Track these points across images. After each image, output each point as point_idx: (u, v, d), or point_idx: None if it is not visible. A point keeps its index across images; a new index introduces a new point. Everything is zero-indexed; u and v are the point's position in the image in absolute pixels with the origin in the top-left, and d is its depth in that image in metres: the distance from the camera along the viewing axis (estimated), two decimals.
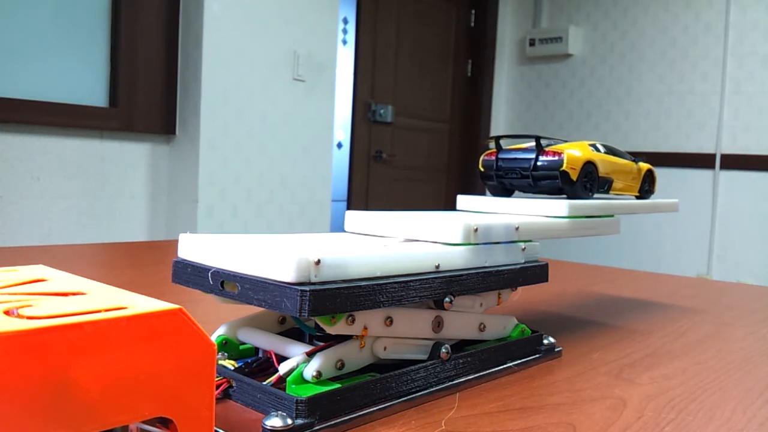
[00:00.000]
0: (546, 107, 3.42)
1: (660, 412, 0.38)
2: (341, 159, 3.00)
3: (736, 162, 2.83)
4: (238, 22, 2.10)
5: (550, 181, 0.52)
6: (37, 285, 0.25)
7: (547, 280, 0.47)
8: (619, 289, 0.82)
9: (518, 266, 0.45)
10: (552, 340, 0.48)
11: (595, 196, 0.56)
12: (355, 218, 0.46)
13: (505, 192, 0.58)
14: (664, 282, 0.91)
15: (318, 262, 0.32)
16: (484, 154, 0.57)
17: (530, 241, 0.47)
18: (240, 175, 2.15)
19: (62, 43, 1.85)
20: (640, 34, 3.09)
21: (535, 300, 0.71)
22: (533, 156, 0.53)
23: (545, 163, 0.52)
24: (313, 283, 0.32)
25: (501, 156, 0.55)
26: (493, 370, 0.43)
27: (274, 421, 0.31)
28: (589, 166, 0.53)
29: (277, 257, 0.32)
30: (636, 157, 0.61)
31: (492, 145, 0.57)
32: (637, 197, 0.62)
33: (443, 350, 0.39)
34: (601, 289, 0.82)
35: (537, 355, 0.47)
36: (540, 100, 3.44)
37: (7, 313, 0.20)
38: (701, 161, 2.91)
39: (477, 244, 0.41)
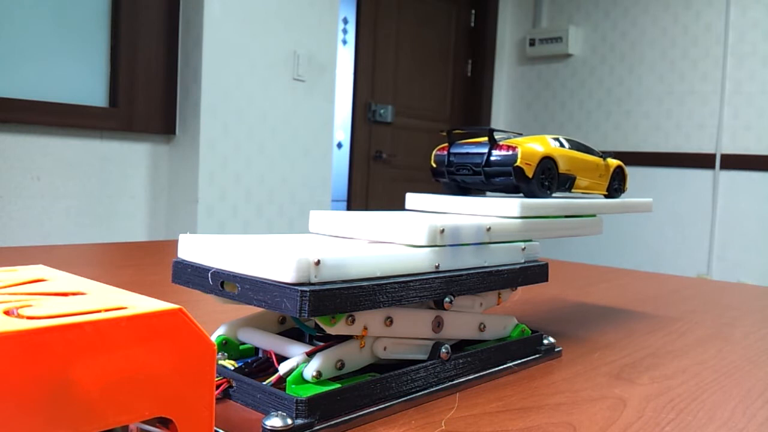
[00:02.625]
0: (546, 107, 3.42)
1: (660, 412, 0.38)
2: (341, 159, 3.00)
3: (736, 162, 2.83)
4: (238, 23, 2.10)
5: (504, 178, 0.48)
6: (37, 285, 0.25)
7: (547, 280, 0.47)
8: (619, 289, 0.82)
9: (518, 266, 0.45)
10: (552, 340, 0.48)
11: (558, 195, 0.53)
12: (319, 219, 0.44)
13: (461, 190, 0.53)
14: (664, 282, 0.91)
15: (318, 263, 0.32)
16: (436, 148, 0.52)
17: (530, 240, 0.47)
18: (240, 175, 2.15)
19: (62, 43, 1.85)
20: (640, 34, 3.09)
21: (535, 300, 0.71)
22: (486, 150, 0.49)
23: (498, 158, 0.48)
24: (313, 284, 0.32)
25: (453, 150, 0.51)
26: (493, 370, 0.43)
27: (274, 421, 0.31)
28: (547, 162, 0.49)
29: (277, 258, 0.32)
30: (605, 153, 0.57)
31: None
32: (606, 196, 0.57)
33: (443, 350, 0.39)
34: (601, 289, 0.82)
35: (537, 355, 0.47)
36: (540, 100, 3.44)
37: (7, 313, 0.20)
38: (701, 161, 2.91)
39: (444, 245, 0.39)
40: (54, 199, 1.85)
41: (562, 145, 0.51)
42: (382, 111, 2.95)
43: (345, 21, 3.02)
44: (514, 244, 0.45)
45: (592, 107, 3.24)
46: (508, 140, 0.49)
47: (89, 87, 1.92)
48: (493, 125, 3.46)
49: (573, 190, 0.52)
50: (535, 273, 0.46)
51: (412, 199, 0.52)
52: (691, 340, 0.56)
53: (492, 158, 0.48)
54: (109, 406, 0.20)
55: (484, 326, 0.44)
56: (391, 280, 0.36)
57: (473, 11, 3.41)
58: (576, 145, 0.53)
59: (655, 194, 3.01)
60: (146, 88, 2.02)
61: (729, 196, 2.86)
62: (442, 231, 0.39)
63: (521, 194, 0.49)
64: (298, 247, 0.36)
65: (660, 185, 3.02)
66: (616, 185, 0.58)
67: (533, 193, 0.48)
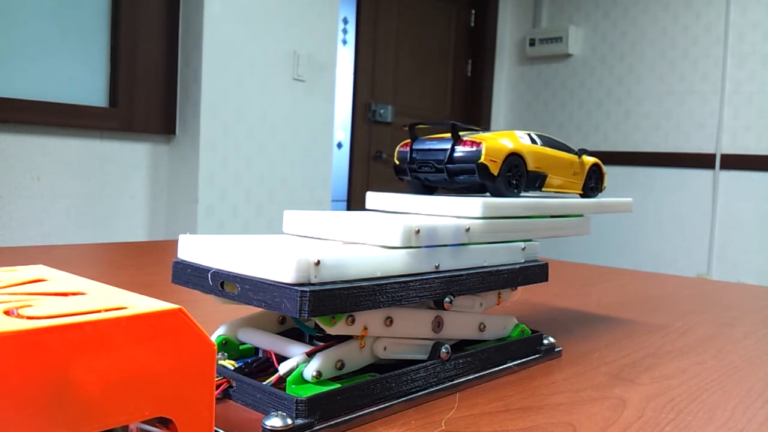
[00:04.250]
0: (546, 107, 3.42)
1: (660, 412, 0.38)
2: (341, 159, 3.00)
3: (736, 162, 2.83)
4: (238, 22, 2.10)
5: (468, 176, 0.45)
6: (37, 285, 0.25)
7: (547, 280, 0.47)
8: (619, 289, 0.82)
9: (518, 266, 0.45)
10: (552, 340, 0.48)
11: (529, 194, 0.50)
12: (293, 219, 0.42)
13: (426, 189, 0.50)
14: (664, 282, 0.91)
15: (318, 263, 0.32)
16: (399, 145, 0.49)
17: (530, 240, 0.46)
18: (240, 175, 2.15)
19: (62, 43, 1.85)
20: (640, 34, 3.09)
21: (535, 300, 0.71)
22: (449, 146, 0.45)
23: (462, 155, 0.45)
24: (313, 284, 0.32)
25: (415, 146, 0.47)
26: (493, 370, 0.43)
27: (274, 421, 0.31)
28: (514, 159, 0.46)
29: (277, 258, 0.32)
30: (582, 150, 0.53)
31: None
32: (582, 196, 0.54)
33: (443, 350, 0.39)
34: (601, 289, 0.82)
35: (537, 355, 0.47)
36: (540, 100, 3.44)
37: (7, 313, 0.20)
38: (701, 161, 2.91)
39: (419, 247, 0.38)
40: (54, 199, 1.85)
41: (533, 141, 0.49)
42: (382, 111, 2.95)
43: (345, 21, 3.02)
44: (513, 244, 0.45)
45: (592, 107, 3.24)
46: (473, 135, 0.45)
47: (89, 87, 1.92)
48: (493, 125, 3.46)
49: (545, 189, 0.50)
50: (535, 273, 0.46)
51: (372, 198, 0.49)
52: (691, 340, 0.56)
53: (455, 155, 0.45)
54: (109, 406, 0.20)
55: (484, 326, 0.44)
56: (392, 280, 0.36)
57: (473, 11, 3.41)
58: (549, 142, 0.50)
59: (655, 194, 3.01)
60: (146, 88, 2.02)
61: (729, 196, 2.86)
62: (417, 231, 0.37)
63: (488, 193, 0.47)
64: (298, 247, 0.36)
65: (660, 185, 3.01)
66: (592, 184, 0.54)
67: (499, 192, 0.45)
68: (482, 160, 0.44)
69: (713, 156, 2.88)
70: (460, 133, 0.45)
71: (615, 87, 3.17)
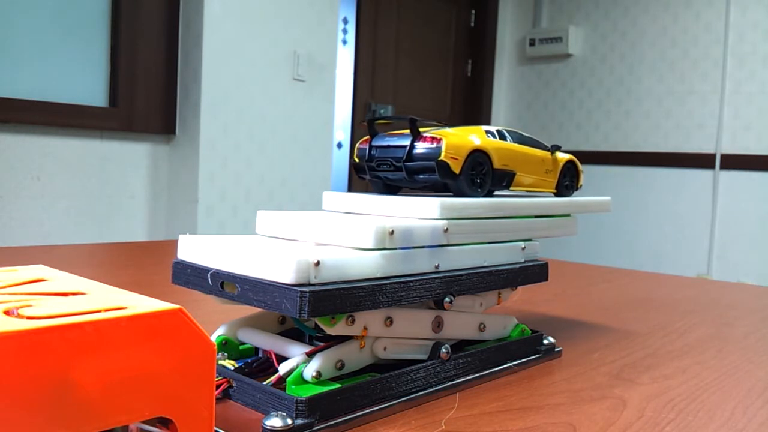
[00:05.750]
0: (546, 107, 3.42)
1: (660, 412, 0.38)
2: (341, 159, 3.00)
3: (736, 162, 2.83)
4: (238, 22, 2.10)
5: (428, 174, 0.42)
6: (37, 285, 0.25)
7: (547, 279, 0.47)
8: (619, 289, 0.82)
9: (518, 266, 0.45)
10: (552, 340, 0.48)
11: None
12: (265, 220, 0.41)
13: (389, 189, 0.47)
14: (664, 282, 0.91)
15: (318, 264, 0.32)
16: (359, 141, 0.46)
17: (530, 240, 0.46)
18: (240, 175, 2.15)
19: (62, 43, 1.85)
20: (640, 34, 3.09)
21: (535, 300, 0.71)
22: (409, 143, 0.42)
23: (421, 152, 0.42)
24: (313, 284, 0.32)
25: (374, 143, 0.44)
26: (493, 370, 0.43)
27: (274, 421, 0.31)
28: (478, 156, 0.43)
29: (277, 258, 0.32)
30: (554, 146, 0.50)
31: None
32: (556, 194, 0.51)
33: (443, 350, 0.39)
34: (601, 289, 0.82)
35: (537, 355, 0.47)
36: (540, 100, 3.44)
37: (7, 313, 0.20)
38: (701, 161, 2.91)
39: (394, 249, 0.36)
40: (54, 199, 1.85)
41: (503, 138, 0.46)
42: (382, 111, 2.95)
43: (345, 21, 3.02)
44: (513, 244, 0.45)
45: (592, 107, 3.24)
46: (434, 131, 0.42)
47: (89, 87, 1.92)
48: (493, 125, 3.45)
49: (514, 188, 0.47)
50: (535, 272, 0.46)
51: (328, 198, 0.46)
52: (691, 340, 0.56)
53: (414, 152, 0.42)
54: (109, 406, 0.20)
55: (484, 326, 0.44)
56: (391, 280, 0.36)
57: (473, 11, 3.41)
58: (519, 138, 0.47)
59: (655, 194, 3.01)
60: (146, 88, 2.02)
61: (729, 196, 2.86)
62: (392, 233, 0.36)
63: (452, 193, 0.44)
64: (298, 248, 0.36)
65: (660, 185, 3.01)
66: (567, 182, 0.51)
67: (462, 191, 0.42)
68: (442, 157, 0.41)
69: (713, 156, 2.88)
70: (421, 129, 0.43)
71: (615, 87, 3.17)
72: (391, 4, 2.97)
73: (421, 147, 0.42)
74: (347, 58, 2.96)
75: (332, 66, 2.44)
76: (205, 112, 2.04)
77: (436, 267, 0.39)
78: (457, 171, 0.41)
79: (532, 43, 3.39)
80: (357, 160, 0.46)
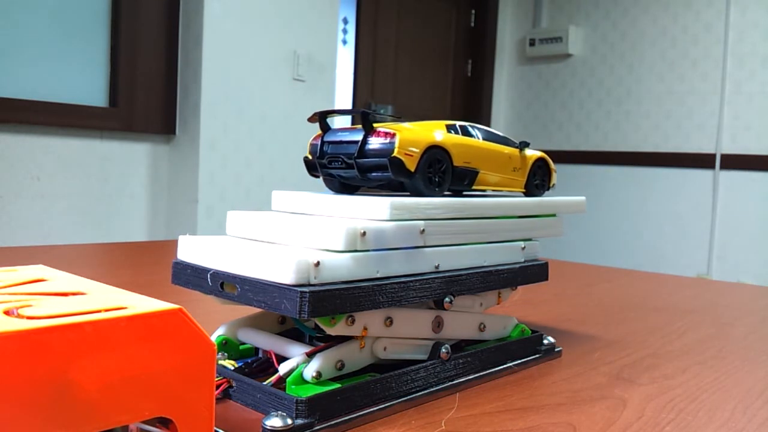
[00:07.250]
0: (546, 107, 3.42)
1: (660, 412, 0.38)
2: None
3: (736, 162, 2.83)
4: (238, 22, 2.10)
5: (381, 172, 0.39)
6: (37, 285, 0.25)
7: (547, 279, 0.47)
8: (619, 289, 0.82)
9: (518, 266, 0.45)
10: (552, 340, 0.48)
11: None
12: (236, 220, 0.40)
13: (345, 188, 0.44)
14: (663, 282, 0.91)
15: (317, 264, 0.32)
16: (312, 137, 0.43)
17: (530, 240, 0.46)
18: (240, 175, 2.15)
19: (62, 43, 1.85)
20: (640, 34, 3.09)
21: (535, 300, 0.71)
22: (361, 138, 0.39)
23: (374, 148, 0.39)
24: (313, 285, 0.32)
25: (326, 139, 0.41)
26: (493, 370, 0.43)
27: (274, 421, 0.31)
28: (436, 153, 0.40)
29: (277, 259, 0.32)
30: (522, 143, 0.47)
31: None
32: (525, 194, 0.48)
33: (443, 350, 0.39)
34: (601, 289, 0.82)
35: (537, 355, 0.47)
36: (540, 100, 3.44)
37: (7, 313, 0.20)
38: (701, 161, 2.91)
39: (367, 251, 0.35)
40: (54, 199, 1.85)
41: (467, 133, 0.43)
42: (382, 111, 2.95)
43: (345, 21, 3.02)
44: (513, 244, 0.45)
45: (592, 107, 3.24)
46: (389, 125, 0.39)
47: (89, 87, 1.92)
48: (493, 125, 3.46)
49: (477, 187, 0.44)
50: (535, 272, 0.46)
51: (278, 198, 0.43)
52: (690, 340, 0.56)
53: (366, 147, 0.39)
54: (109, 406, 0.20)
55: (484, 326, 0.44)
56: (391, 281, 0.36)
57: (473, 11, 3.41)
58: (485, 134, 0.45)
59: (655, 194, 3.01)
60: (146, 88, 2.02)
61: (729, 196, 2.86)
62: (363, 234, 0.34)
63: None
64: (298, 248, 0.36)
65: (660, 185, 3.01)
66: (537, 181, 0.48)
67: (418, 190, 0.39)
68: (395, 153, 0.38)
69: (713, 156, 2.88)
70: (376, 124, 0.39)
71: (615, 87, 3.17)
72: (391, 4, 2.97)
73: (373, 142, 0.39)
74: (347, 58, 2.96)
75: (332, 66, 2.44)
76: (205, 112, 2.04)
77: (436, 267, 0.39)
78: (412, 168, 0.38)
79: (532, 43, 3.39)
80: (309, 157, 0.42)
